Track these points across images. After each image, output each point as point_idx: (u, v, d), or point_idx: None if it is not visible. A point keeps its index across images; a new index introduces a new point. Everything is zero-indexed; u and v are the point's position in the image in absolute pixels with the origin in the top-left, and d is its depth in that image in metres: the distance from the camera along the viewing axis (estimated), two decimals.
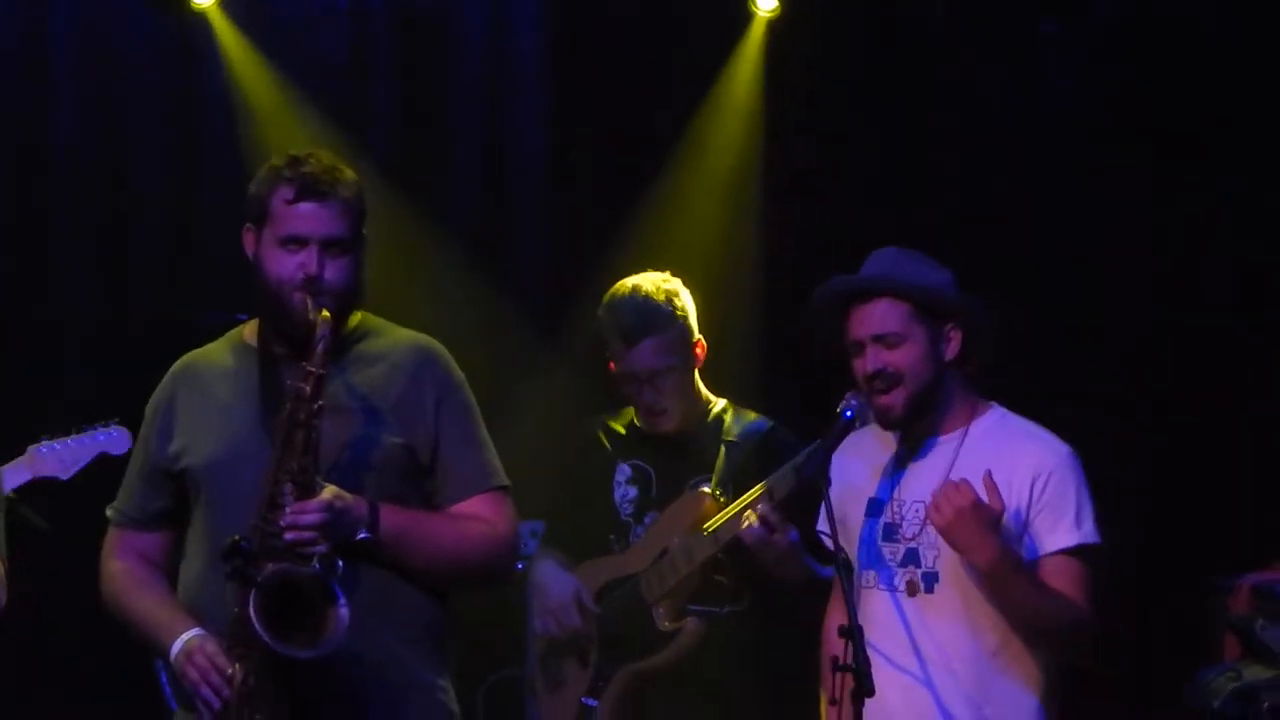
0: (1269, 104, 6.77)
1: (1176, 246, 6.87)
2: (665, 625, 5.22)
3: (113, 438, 5.76)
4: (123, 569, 4.34)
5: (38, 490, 5.75)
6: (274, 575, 4.01)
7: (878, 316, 4.56)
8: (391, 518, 4.15)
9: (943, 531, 4.45)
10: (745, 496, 4.94)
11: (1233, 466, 6.68)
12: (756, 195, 7.04)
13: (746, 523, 4.83)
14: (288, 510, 4.03)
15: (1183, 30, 6.87)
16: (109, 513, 4.41)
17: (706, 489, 5.22)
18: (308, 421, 4.07)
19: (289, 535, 4.02)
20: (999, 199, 6.97)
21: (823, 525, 4.65)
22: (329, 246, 4.19)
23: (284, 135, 6.63)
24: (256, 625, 3.97)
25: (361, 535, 4.11)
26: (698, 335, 5.38)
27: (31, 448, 5.79)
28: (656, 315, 5.31)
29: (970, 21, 7.04)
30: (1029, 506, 4.49)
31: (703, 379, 5.46)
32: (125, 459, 4.65)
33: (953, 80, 7.06)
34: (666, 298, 5.33)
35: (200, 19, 6.86)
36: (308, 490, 4.06)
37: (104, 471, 4.52)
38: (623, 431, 5.45)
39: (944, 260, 4.70)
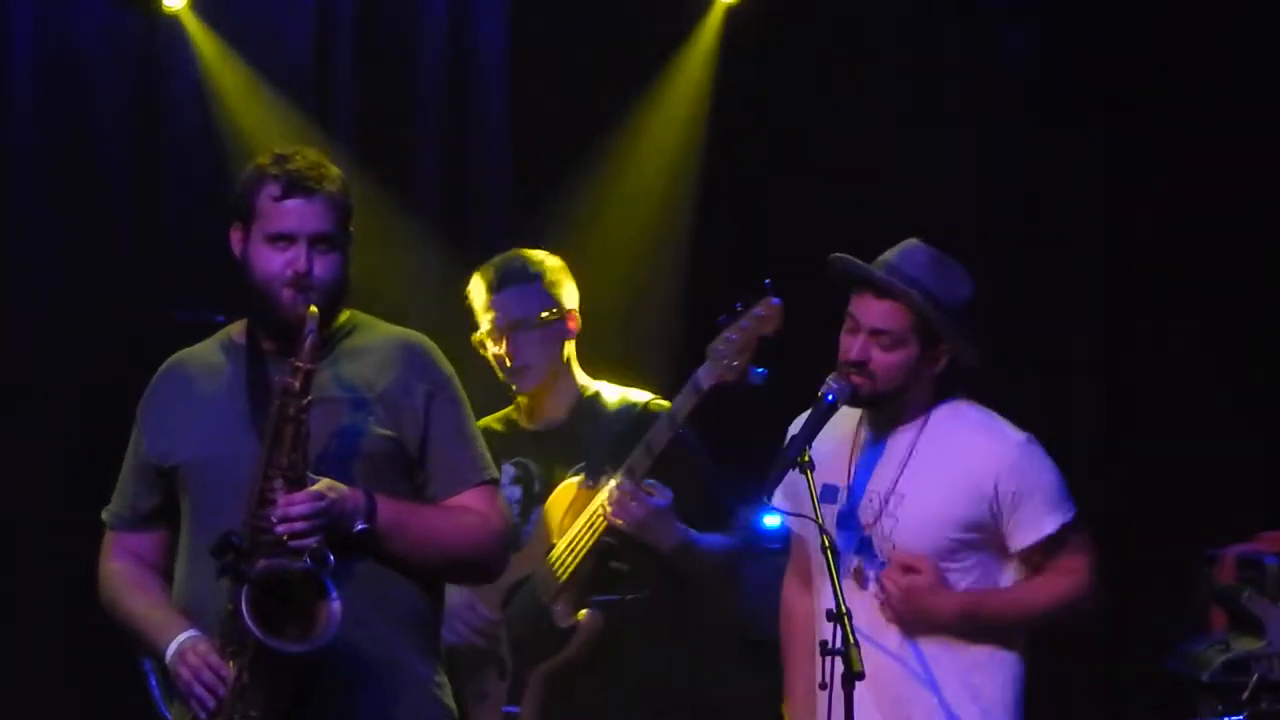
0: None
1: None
2: (563, 622, 5.17)
3: None
4: (118, 570, 4.34)
5: None
6: (264, 570, 4.01)
7: (885, 314, 4.54)
8: (388, 509, 4.15)
9: (901, 620, 4.52)
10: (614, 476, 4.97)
11: (1218, 436, 6.77)
12: (695, 183, 7.05)
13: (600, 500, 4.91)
14: (279, 503, 4.03)
15: None
16: (104, 515, 4.41)
17: (575, 478, 5.18)
18: (296, 416, 4.06)
19: (280, 528, 4.01)
20: (947, 188, 7.01)
21: (788, 510, 4.66)
22: (317, 242, 4.19)
23: (258, 134, 6.62)
24: (248, 621, 3.96)
25: (360, 527, 4.11)
26: (570, 308, 5.29)
27: None
28: (524, 268, 5.28)
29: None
30: (996, 502, 4.52)
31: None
32: None
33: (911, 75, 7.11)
34: (538, 262, 5.31)
35: (172, 21, 6.84)
36: (298, 485, 4.05)
37: (95, 477, 4.51)
38: (502, 429, 5.36)
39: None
